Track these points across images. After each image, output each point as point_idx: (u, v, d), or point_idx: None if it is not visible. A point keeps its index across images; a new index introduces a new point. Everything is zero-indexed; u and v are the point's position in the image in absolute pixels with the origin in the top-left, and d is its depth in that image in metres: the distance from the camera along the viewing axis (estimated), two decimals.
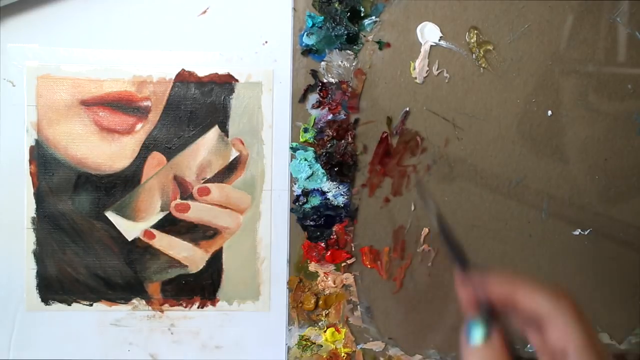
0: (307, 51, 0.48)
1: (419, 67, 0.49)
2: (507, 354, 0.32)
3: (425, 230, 0.51)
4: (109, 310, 0.50)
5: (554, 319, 0.32)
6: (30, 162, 0.48)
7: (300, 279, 0.51)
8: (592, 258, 0.52)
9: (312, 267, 0.51)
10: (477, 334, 0.32)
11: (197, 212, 0.49)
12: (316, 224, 0.50)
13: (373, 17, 0.48)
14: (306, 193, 0.49)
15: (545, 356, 0.34)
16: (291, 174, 0.49)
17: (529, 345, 0.53)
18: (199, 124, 0.48)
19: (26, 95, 0.47)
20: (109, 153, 0.48)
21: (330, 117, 0.49)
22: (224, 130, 0.48)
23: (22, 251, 0.48)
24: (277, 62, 0.48)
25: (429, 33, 0.48)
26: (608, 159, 0.51)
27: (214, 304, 0.50)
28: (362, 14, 0.48)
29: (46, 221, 0.48)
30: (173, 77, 0.48)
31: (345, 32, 0.48)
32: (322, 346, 0.52)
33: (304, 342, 0.52)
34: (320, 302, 0.51)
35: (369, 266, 0.51)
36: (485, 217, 0.51)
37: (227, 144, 0.49)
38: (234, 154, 0.49)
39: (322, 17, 0.48)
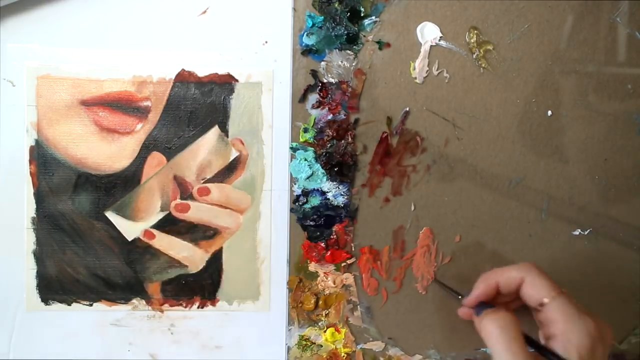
0: (307, 51, 0.48)
1: (419, 67, 0.49)
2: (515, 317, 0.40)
3: (425, 230, 0.51)
4: (109, 310, 0.50)
5: (525, 280, 0.41)
6: (30, 162, 0.48)
7: (300, 279, 0.51)
8: (592, 258, 0.52)
9: (312, 267, 0.51)
10: (482, 309, 0.42)
11: (197, 212, 0.49)
12: (316, 224, 0.50)
13: (373, 17, 0.48)
14: (306, 193, 0.49)
15: (540, 325, 0.42)
16: (291, 174, 0.49)
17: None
18: (199, 124, 0.48)
19: (26, 95, 0.47)
20: (109, 153, 0.48)
21: (330, 117, 0.49)
22: (224, 130, 0.48)
23: (22, 251, 0.48)
24: (277, 62, 0.48)
25: (429, 33, 0.48)
26: (608, 159, 0.51)
27: (214, 304, 0.50)
28: (362, 14, 0.48)
29: (46, 221, 0.48)
30: (173, 77, 0.48)
31: (345, 32, 0.48)
32: (322, 346, 0.52)
33: (304, 342, 0.52)
34: (320, 302, 0.51)
35: (364, 275, 0.51)
36: (485, 217, 0.51)
37: (227, 144, 0.49)
38: (234, 154, 0.49)
39: (322, 17, 0.48)
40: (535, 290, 0.41)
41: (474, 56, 0.49)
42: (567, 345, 0.38)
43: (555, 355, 0.38)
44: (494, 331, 0.39)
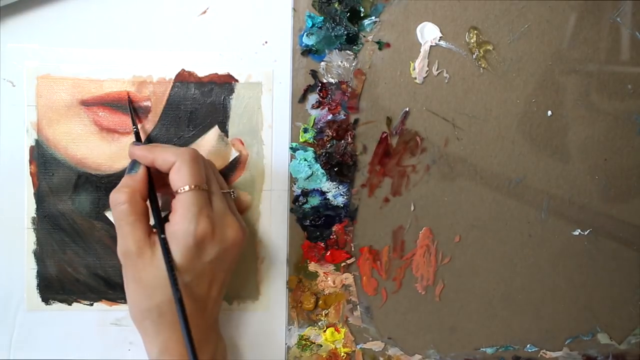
0: (307, 51, 0.48)
1: (418, 67, 0.49)
2: (147, 180, 0.42)
3: (425, 230, 0.51)
4: (110, 309, 0.50)
5: (174, 164, 0.41)
6: (30, 162, 0.48)
7: (299, 279, 0.51)
8: (592, 258, 0.52)
9: (312, 267, 0.51)
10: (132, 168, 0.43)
11: None
12: (316, 224, 0.50)
13: (373, 17, 0.48)
14: (306, 193, 0.49)
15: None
16: (291, 174, 0.49)
17: (528, 345, 0.53)
18: (198, 124, 0.48)
19: (26, 95, 0.47)
20: (109, 153, 0.48)
21: (330, 117, 0.49)
22: (224, 130, 0.48)
23: (23, 251, 0.48)
24: (277, 62, 0.48)
25: (428, 33, 0.48)
26: (608, 159, 0.51)
27: None
28: (362, 14, 0.48)
29: (46, 221, 0.48)
30: (173, 77, 0.48)
31: (345, 32, 0.48)
32: (321, 346, 0.52)
33: (304, 342, 0.52)
34: (320, 302, 0.51)
35: (364, 276, 0.51)
36: (485, 217, 0.51)
37: (227, 144, 0.49)
38: (233, 154, 0.49)
39: (322, 18, 0.48)
40: (179, 176, 0.40)
41: (474, 56, 0.49)
42: (171, 237, 0.40)
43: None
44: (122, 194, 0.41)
